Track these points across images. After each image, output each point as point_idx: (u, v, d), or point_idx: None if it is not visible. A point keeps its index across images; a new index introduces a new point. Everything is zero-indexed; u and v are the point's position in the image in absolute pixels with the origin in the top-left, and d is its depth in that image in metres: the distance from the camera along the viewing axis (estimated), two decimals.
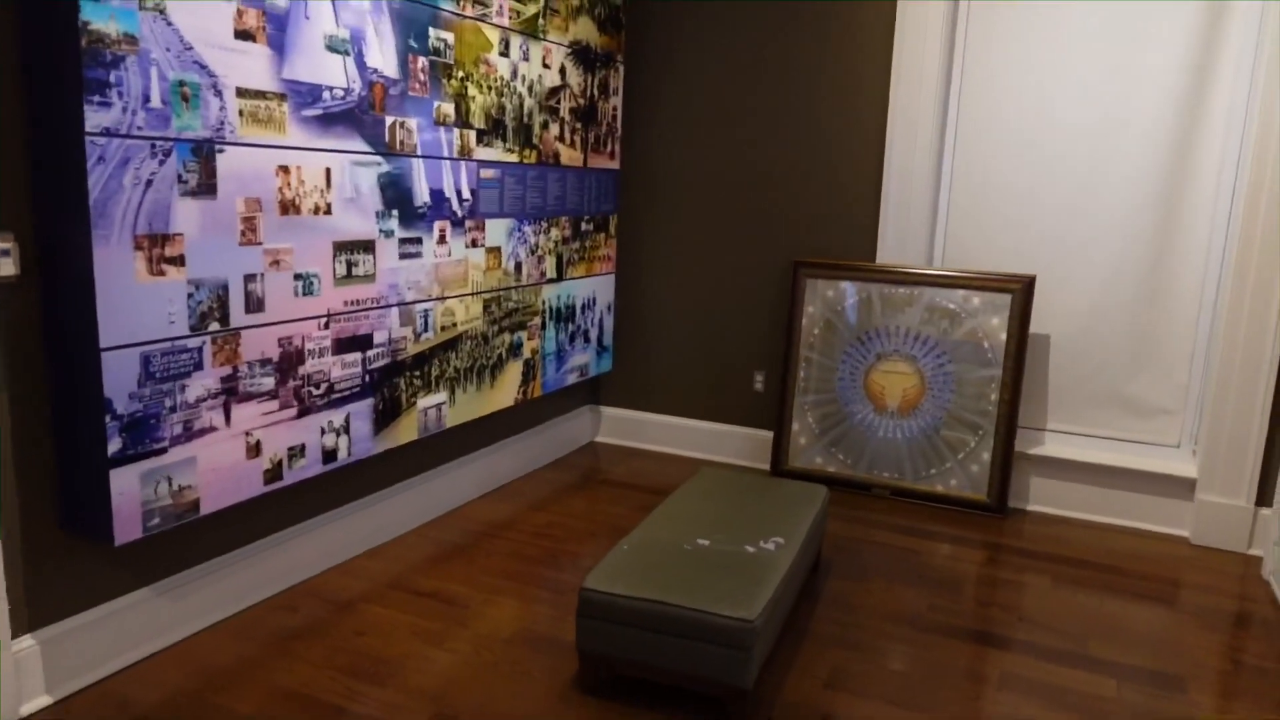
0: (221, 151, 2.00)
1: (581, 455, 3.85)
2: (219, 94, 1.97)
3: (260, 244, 2.13)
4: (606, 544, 2.90)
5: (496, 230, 3.00)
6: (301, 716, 1.95)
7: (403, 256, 2.60)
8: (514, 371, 3.20)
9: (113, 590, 2.08)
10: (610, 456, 3.85)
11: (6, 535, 1.86)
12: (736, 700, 1.90)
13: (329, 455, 2.43)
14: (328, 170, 2.30)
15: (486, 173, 2.91)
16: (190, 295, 1.98)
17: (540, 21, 3.07)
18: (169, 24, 1.84)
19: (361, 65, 2.36)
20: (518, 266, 3.14)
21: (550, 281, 3.34)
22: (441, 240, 2.74)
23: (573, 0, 3.24)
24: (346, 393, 2.46)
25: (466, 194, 2.83)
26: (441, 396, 2.84)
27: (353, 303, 2.44)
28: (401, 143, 2.53)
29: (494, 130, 2.91)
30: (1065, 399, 3.31)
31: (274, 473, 2.27)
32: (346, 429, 2.48)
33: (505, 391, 3.17)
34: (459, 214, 2.81)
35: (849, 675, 2.18)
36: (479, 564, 2.72)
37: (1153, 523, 3.17)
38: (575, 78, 3.33)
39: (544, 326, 3.34)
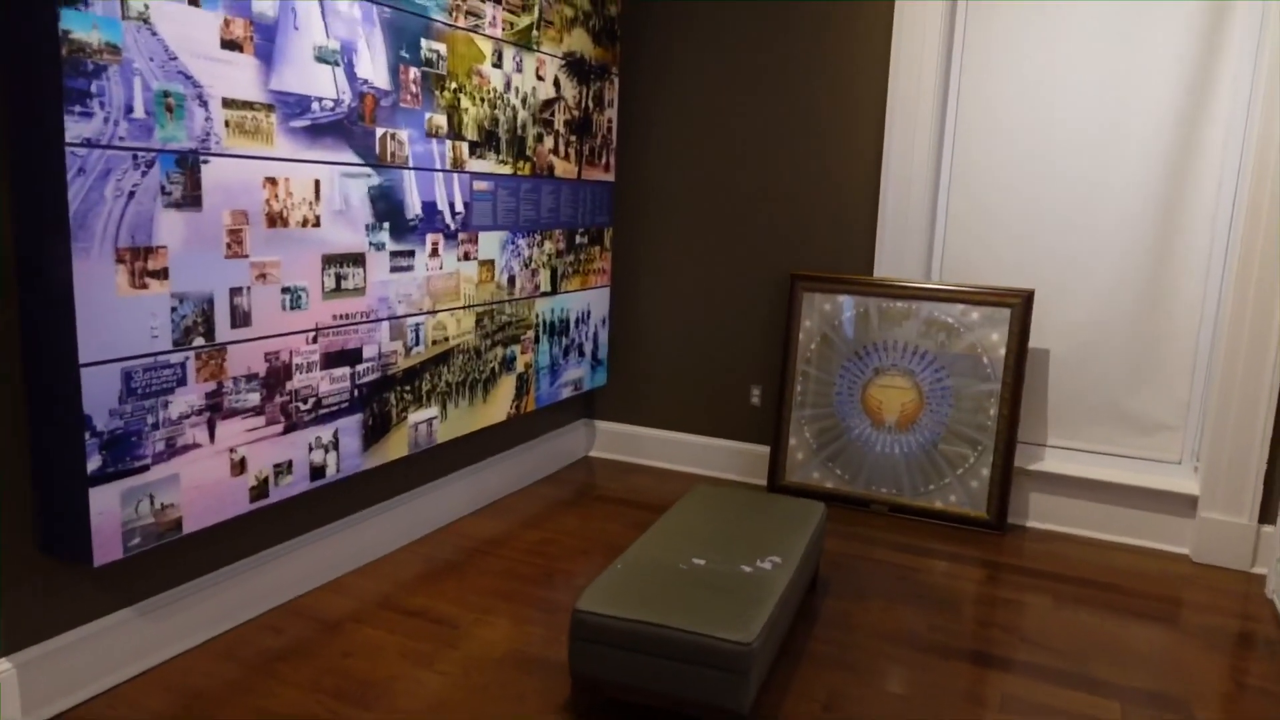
0: (207, 163, 1.96)
1: (576, 470, 3.80)
2: (204, 104, 1.93)
3: (247, 257, 2.09)
4: (600, 562, 2.85)
5: (490, 243, 2.96)
6: None
7: (394, 270, 2.56)
8: (507, 386, 3.16)
9: (93, 611, 2.03)
10: (605, 471, 3.80)
11: None
12: None
13: (316, 472, 2.38)
14: (317, 182, 2.26)
15: (479, 185, 2.87)
16: (174, 309, 1.93)
17: (534, 33, 3.05)
18: (153, 34, 1.80)
19: (352, 76, 2.32)
20: (511, 280, 3.10)
21: (544, 295, 3.31)
22: (434, 253, 2.70)
23: (567, 12, 3.22)
24: (335, 408, 2.41)
25: (459, 206, 2.79)
26: (433, 411, 2.79)
27: (342, 316, 2.40)
28: (393, 154, 2.49)
29: (487, 142, 2.88)
30: (1065, 414, 3.27)
31: (260, 490, 2.22)
32: (335, 445, 2.43)
33: (498, 406, 3.13)
34: (451, 227, 2.77)
35: (847, 698, 2.13)
36: (470, 582, 2.67)
37: (1154, 540, 3.13)
38: (570, 90, 3.30)
39: (538, 340, 3.30)
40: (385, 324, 2.55)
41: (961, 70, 3.25)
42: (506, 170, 2.99)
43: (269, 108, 2.09)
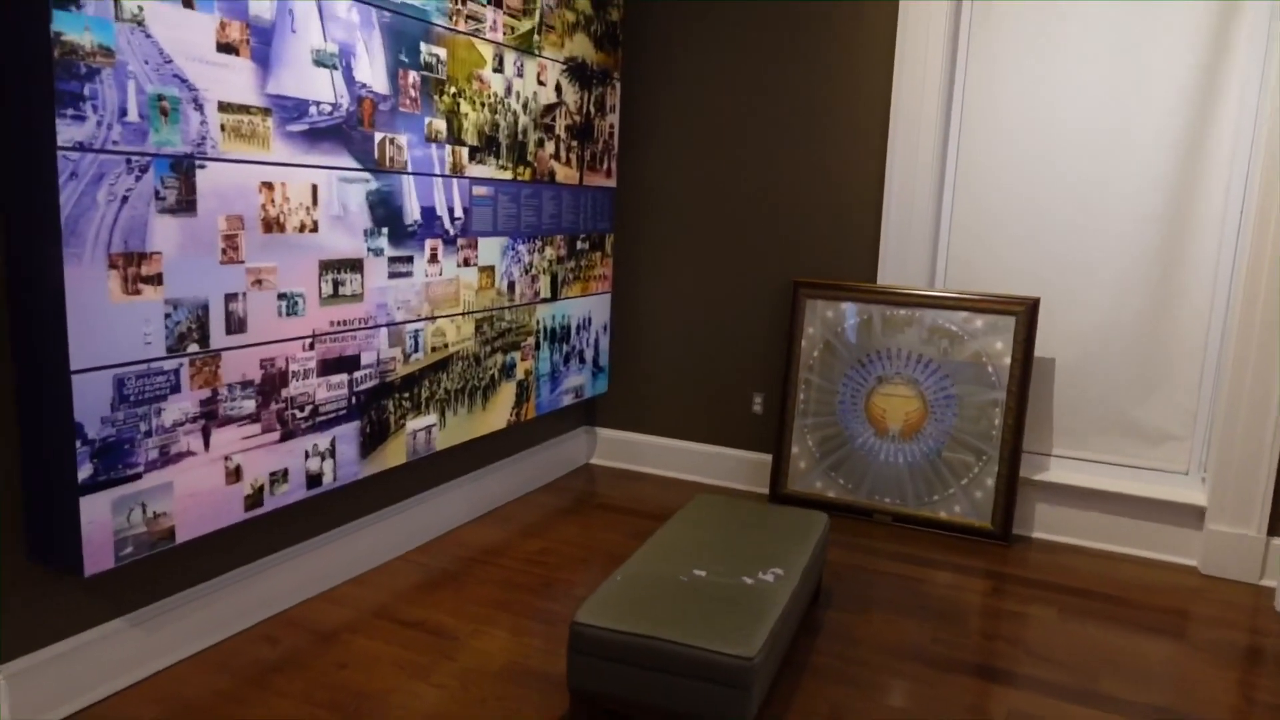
0: (202, 167, 1.93)
1: (576, 478, 3.77)
2: (200, 108, 1.91)
3: (242, 263, 2.07)
4: (600, 572, 2.81)
5: (490, 249, 2.93)
6: None
7: (392, 275, 2.53)
8: (507, 393, 3.13)
9: (84, 621, 2.00)
10: (605, 479, 3.77)
11: None
12: None
13: (313, 480, 2.35)
14: (314, 187, 2.23)
15: (480, 190, 2.84)
16: (168, 315, 1.90)
17: (535, 38, 3.02)
18: (148, 36, 1.78)
19: (350, 80, 2.30)
20: (511, 286, 3.07)
21: (545, 301, 3.28)
22: (433, 259, 2.68)
23: (569, 16, 3.19)
24: (332, 415, 2.38)
25: (459, 212, 2.76)
26: (431, 419, 2.76)
27: (339, 323, 2.37)
28: (391, 159, 2.46)
29: (487, 147, 2.86)
30: (1071, 424, 3.23)
31: (255, 498, 2.19)
32: (332, 453, 2.40)
33: (498, 413, 3.09)
34: (451, 232, 2.74)
35: (850, 713, 2.09)
36: (468, 592, 2.63)
37: (1161, 551, 3.09)
38: (571, 95, 3.27)
39: (538, 347, 3.27)
40: (384, 330, 2.52)
41: (966, 74, 3.23)
42: (507, 176, 2.97)
43: (266, 112, 2.07)
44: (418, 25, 2.51)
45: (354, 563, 2.70)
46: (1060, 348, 3.21)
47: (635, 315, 3.86)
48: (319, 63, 2.20)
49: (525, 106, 3.02)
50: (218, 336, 2.03)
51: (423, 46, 2.53)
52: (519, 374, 3.18)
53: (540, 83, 3.08)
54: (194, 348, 1.97)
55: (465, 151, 2.76)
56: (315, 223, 2.25)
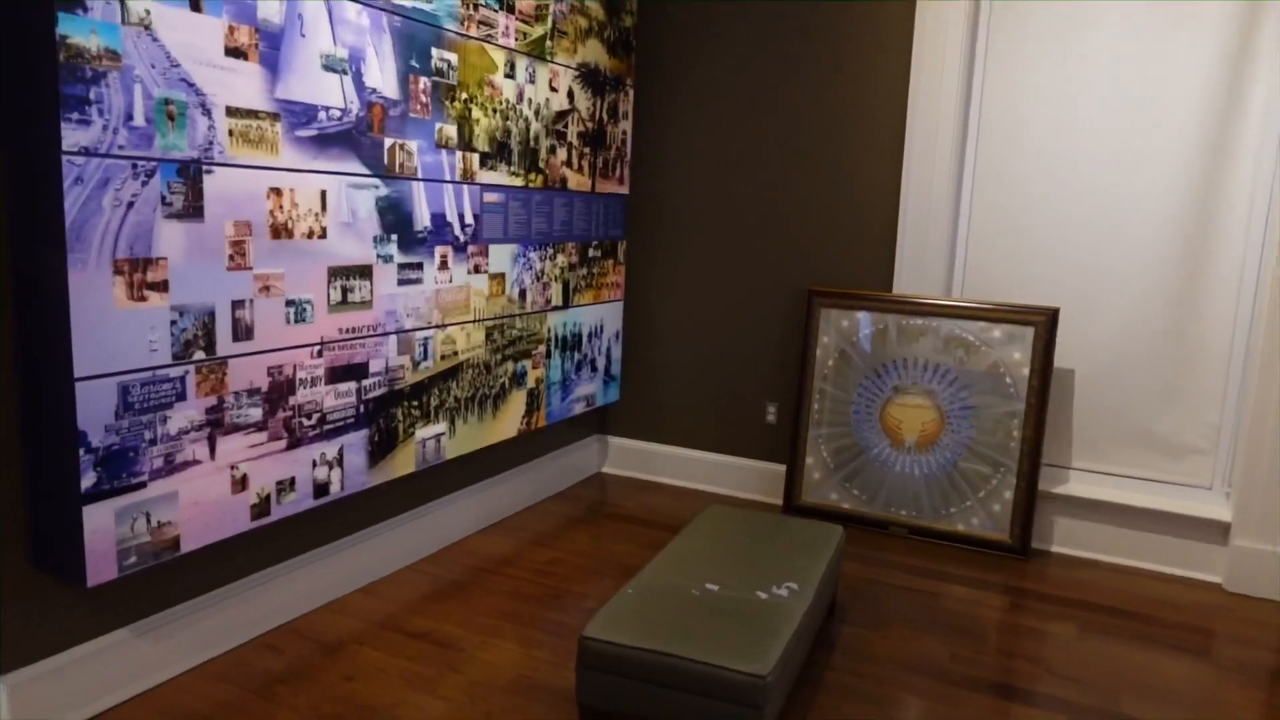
0: (209, 172, 1.91)
1: (587, 487, 3.73)
2: (207, 113, 1.89)
3: (250, 269, 2.04)
4: (611, 583, 2.77)
5: (500, 256, 2.90)
6: None
7: (402, 282, 2.50)
8: (517, 401, 3.10)
9: (87, 632, 1.97)
10: (617, 489, 3.73)
11: None
12: None
13: (320, 489, 2.32)
14: (323, 193, 2.21)
15: (490, 197, 2.82)
16: (173, 322, 1.88)
17: (547, 43, 3.00)
18: (154, 40, 1.76)
19: (360, 85, 2.27)
20: (522, 293, 3.04)
21: (556, 309, 3.24)
22: (443, 266, 2.65)
23: (581, 22, 3.17)
24: (340, 424, 2.35)
25: (469, 219, 2.74)
26: (441, 427, 2.73)
27: (348, 330, 2.34)
28: (401, 165, 2.44)
29: (498, 154, 2.83)
30: (1091, 436, 3.17)
31: (261, 508, 2.16)
32: (340, 461, 2.37)
33: (508, 422, 3.06)
34: (461, 239, 2.71)
35: None
36: (476, 603, 2.60)
37: (1184, 568, 3.02)
38: (583, 101, 3.25)
39: (549, 355, 3.24)
40: (393, 338, 2.49)
41: (984, 78, 3.18)
42: (518, 182, 2.94)
43: (274, 117, 2.05)
44: (429, 30, 2.48)
45: (361, 573, 2.67)
46: (1080, 358, 3.15)
47: (648, 323, 3.82)
48: (328, 67, 2.18)
49: (537, 113, 2.99)
50: (224, 344, 2.00)
51: (434, 52, 2.51)
52: (530, 382, 3.15)
53: (552, 89, 3.06)
54: (200, 355, 1.95)
55: (476, 158, 2.73)
56: (324, 229, 2.23)
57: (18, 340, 1.78)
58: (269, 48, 2.02)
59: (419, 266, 2.56)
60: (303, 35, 2.10)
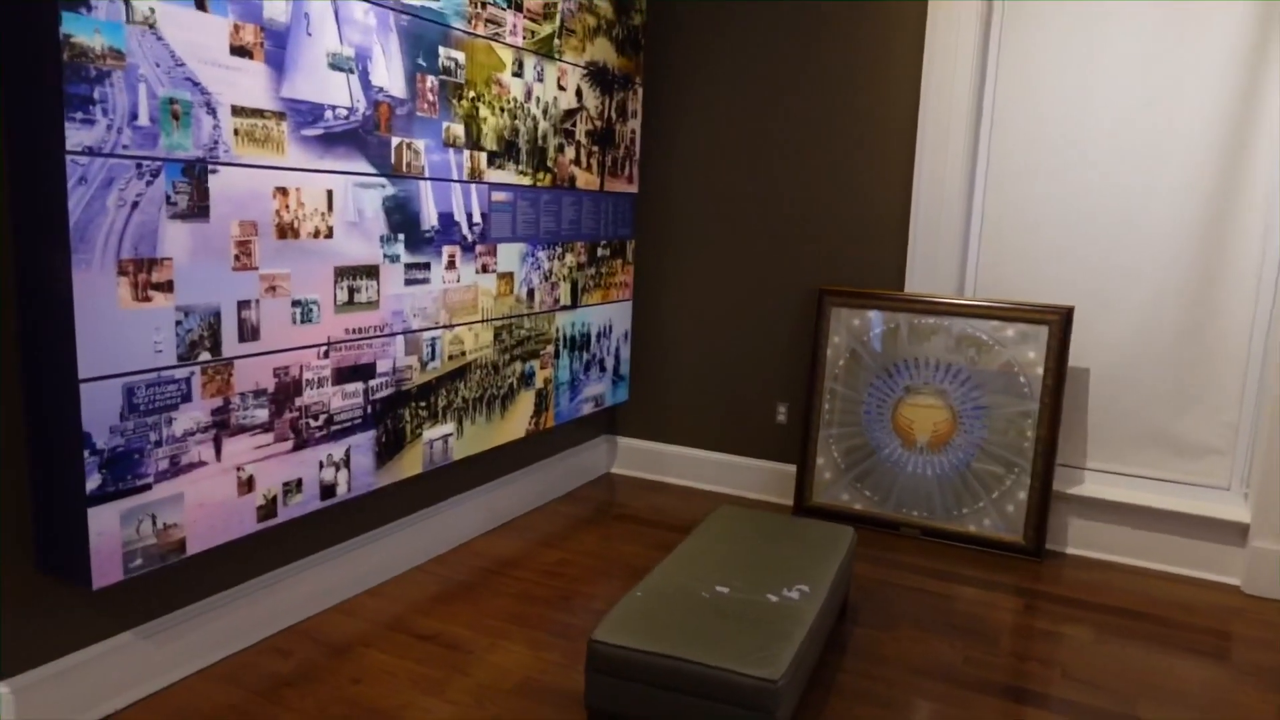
0: (214, 172, 1.90)
1: (596, 488, 3.71)
2: (212, 112, 1.87)
3: (256, 269, 2.03)
4: (620, 585, 2.75)
5: (509, 255, 2.89)
6: None
7: (409, 282, 2.49)
8: (526, 401, 3.08)
9: (93, 634, 1.96)
10: (626, 489, 3.70)
11: None
12: None
13: (327, 490, 2.31)
14: (329, 192, 2.19)
15: (498, 196, 2.80)
16: (179, 323, 1.87)
17: (555, 42, 2.98)
18: (159, 39, 1.74)
19: (366, 84, 2.26)
20: (530, 293, 3.02)
21: (564, 309, 3.23)
22: (450, 266, 2.63)
23: (589, 20, 3.15)
24: (347, 424, 2.34)
25: (477, 218, 2.72)
26: (449, 428, 2.71)
27: (355, 331, 2.33)
28: (408, 164, 2.42)
29: (506, 152, 2.81)
30: (1106, 436, 3.13)
31: (268, 509, 2.15)
32: (347, 463, 2.36)
33: (516, 422, 3.04)
34: (469, 238, 2.70)
35: None
36: (484, 605, 2.58)
37: (1201, 570, 2.98)
38: (592, 100, 3.23)
39: (557, 355, 3.22)
40: (400, 338, 2.48)
41: (997, 76, 3.14)
42: (526, 181, 2.92)
43: (280, 116, 2.03)
44: (436, 29, 2.47)
45: (369, 574, 2.65)
46: (1095, 357, 3.11)
47: (657, 323, 3.80)
48: (335, 66, 2.16)
49: (545, 111, 2.97)
50: (230, 344, 1.99)
51: (441, 50, 2.49)
52: (538, 382, 3.13)
53: (560, 87, 3.04)
54: (206, 356, 1.94)
55: (484, 157, 2.71)
56: (330, 229, 2.21)
57: (22, 341, 1.77)
58: (275, 46, 2.00)
59: (426, 266, 2.54)
60: (309, 34, 2.08)
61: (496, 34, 2.70)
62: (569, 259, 3.21)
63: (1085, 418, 3.15)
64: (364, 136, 2.27)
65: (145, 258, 1.78)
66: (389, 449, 2.49)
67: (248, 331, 2.03)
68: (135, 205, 1.75)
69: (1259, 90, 2.82)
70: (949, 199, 3.18)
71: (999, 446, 3.09)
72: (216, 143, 1.89)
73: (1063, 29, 3.03)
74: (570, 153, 3.14)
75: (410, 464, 2.58)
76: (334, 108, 2.17)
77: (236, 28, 1.91)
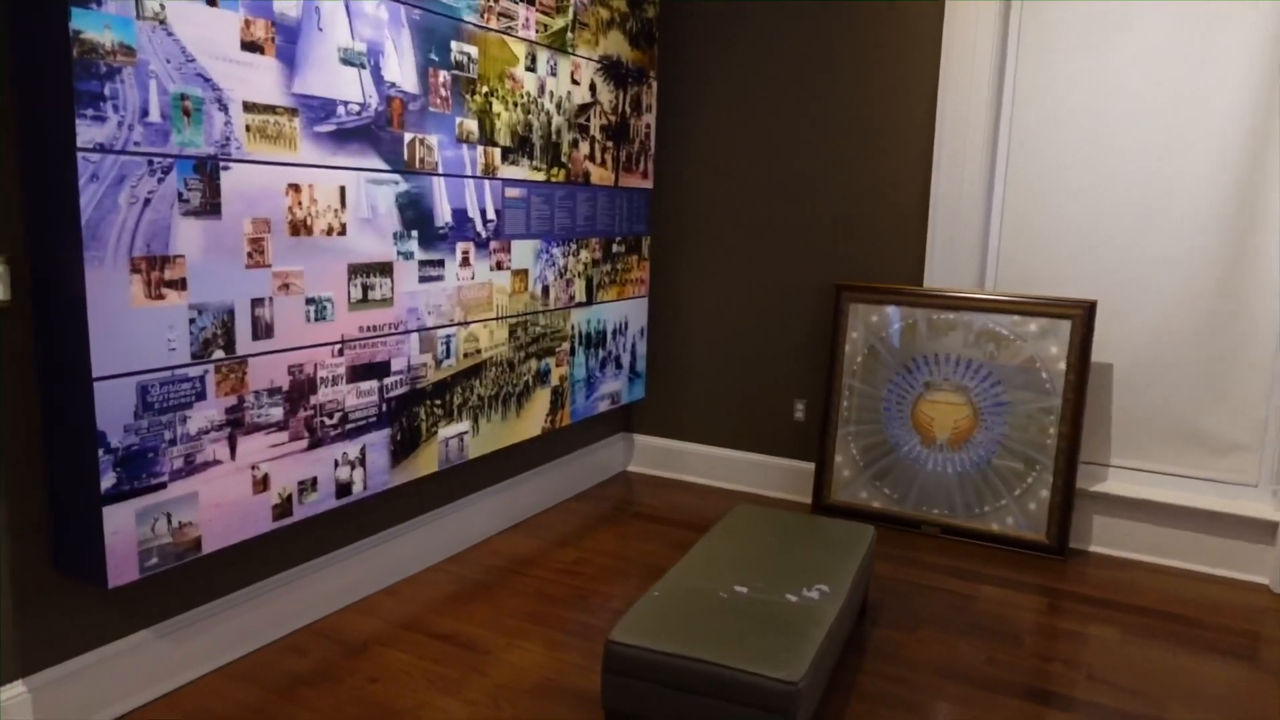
0: (226, 169, 1.88)
1: (613, 486, 3.68)
2: (224, 108, 1.86)
3: (269, 266, 2.02)
4: (637, 584, 2.73)
5: (523, 252, 2.87)
6: None
7: (423, 280, 2.47)
8: (541, 399, 3.06)
9: (110, 633, 1.96)
10: (643, 487, 3.68)
11: None
12: None
13: (343, 489, 2.30)
14: (342, 189, 2.18)
15: (512, 192, 2.78)
16: (192, 321, 1.86)
17: (569, 36, 2.95)
18: (169, 34, 1.73)
19: (379, 79, 2.24)
20: (545, 290, 3.00)
21: (580, 305, 3.20)
22: (465, 263, 2.62)
23: (603, 14, 3.12)
24: (362, 423, 2.32)
25: (491, 214, 2.70)
26: (464, 426, 2.70)
27: (369, 328, 2.32)
28: (421, 160, 2.41)
29: (520, 148, 2.79)
30: (1131, 432, 3.07)
31: (283, 508, 2.14)
32: (362, 461, 2.34)
33: (532, 420, 3.02)
34: (483, 235, 2.68)
35: None
36: (501, 604, 2.56)
37: (1229, 569, 2.92)
38: (606, 94, 3.20)
39: (573, 352, 3.20)
40: (414, 336, 2.46)
41: (1017, 70, 3.09)
42: (540, 177, 2.90)
43: (292, 112, 2.02)
44: (448, 23, 2.45)
45: (385, 573, 2.64)
46: (1119, 352, 3.06)
47: (673, 319, 3.77)
48: (346, 61, 2.15)
49: (559, 106, 2.95)
50: (244, 342, 1.98)
51: (453, 45, 2.47)
52: (554, 380, 3.11)
53: (574, 82, 3.01)
54: (219, 354, 1.93)
55: (497, 152, 2.69)
56: (343, 225, 2.20)
57: (36, 340, 1.76)
58: (286, 42, 1.99)
59: (440, 263, 2.52)
60: (320, 29, 2.07)
61: (509, 28, 2.68)
62: (584, 255, 3.19)
63: (1109, 414, 3.09)
64: (376, 132, 2.26)
65: (158, 255, 1.77)
66: (404, 447, 2.47)
67: (261, 329, 2.02)
68: (147, 202, 1.74)
69: None
70: (968, 193, 3.13)
71: (1020, 443, 3.04)
72: (228, 139, 1.88)
73: (1085, 21, 2.97)
74: (584, 148, 3.11)
75: (426, 462, 2.56)
76: (346, 103, 2.16)
77: (247, 23, 1.89)
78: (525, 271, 2.89)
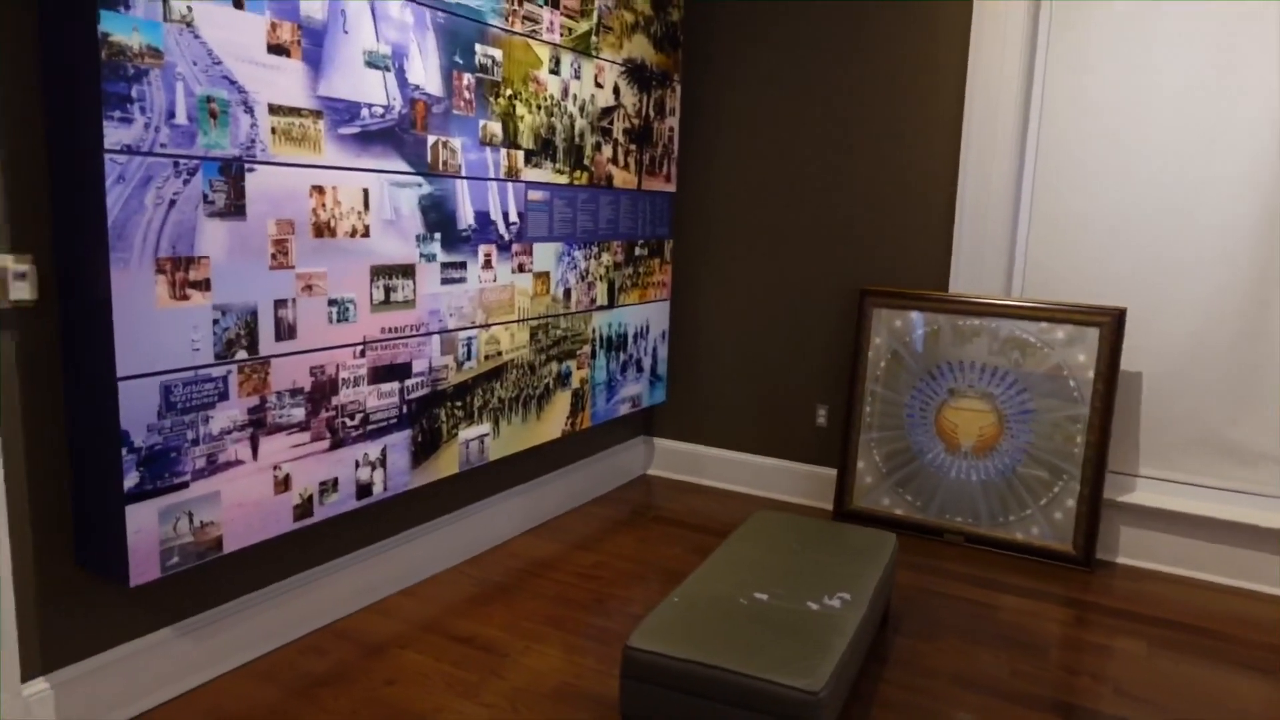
0: (251, 171, 1.89)
1: (632, 489, 3.67)
2: (250, 110, 1.87)
3: (292, 268, 2.02)
4: (656, 588, 2.71)
5: (545, 255, 2.86)
6: None
7: (445, 282, 2.47)
8: (562, 402, 3.05)
9: (131, 631, 1.97)
10: (663, 491, 3.66)
11: (20, 573, 1.76)
12: None
13: (363, 490, 2.30)
14: (365, 191, 2.18)
15: (535, 195, 2.78)
16: (216, 321, 1.87)
17: (593, 39, 2.95)
18: (196, 37, 1.74)
19: (403, 82, 2.25)
20: (567, 293, 3.00)
21: (601, 308, 3.19)
22: (487, 265, 2.62)
23: (627, 18, 3.11)
24: (383, 424, 2.33)
25: (514, 217, 2.70)
26: (485, 428, 2.70)
27: (391, 330, 2.32)
28: (444, 163, 2.41)
29: (543, 151, 2.79)
30: (1159, 442, 3.02)
31: (304, 508, 2.14)
32: (382, 462, 2.35)
33: (552, 423, 3.02)
34: (505, 237, 2.68)
35: None
36: (520, 607, 2.56)
37: (1260, 582, 2.86)
38: (629, 97, 3.19)
39: (594, 355, 3.19)
40: (436, 338, 2.46)
41: (1046, 70, 3.05)
42: (563, 180, 2.90)
43: (316, 114, 2.02)
44: (472, 26, 2.45)
45: (404, 574, 2.65)
46: (1149, 360, 3.01)
47: (695, 323, 3.75)
48: (371, 64, 2.15)
49: (582, 109, 2.95)
50: (267, 343, 1.99)
51: (478, 48, 2.48)
52: (574, 383, 3.10)
53: (598, 85, 3.01)
54: (242, 354, 1.93)
55: (520, 155, 2.69)
56: (366, 227, 2.20)
57: (65, 339, 1.78)
58: (311, 44, 1.99)
59: (462, 265, 2.53)
60: (345, 32, 2.07)
61: (534, 31, 2.68)
62: (606, 258, 3.18)
63: (1137, 423, 3.04)
64: (400, 135, 2.26)
65: (182, 256, 1.78)
66: (425, 449, 2.47)
67: (284, 330, 2.02)
68: (173, 204, 1.75)
69: None
70: (996, 196, 3.09)
71: (1046, 452, 3.00)
72: (253, 141, 1.89)
73: (1116, 21, 2.93)
74: (607, 151, 3.10)
75: (446, 464, 2.56)
76: (370, 106, 2.16)
77: (274, 26, 1.90)
78: (547, 274, 2.89)
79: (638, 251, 3.37)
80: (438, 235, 2.42)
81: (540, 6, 2.69)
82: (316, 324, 2.10)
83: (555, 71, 2.79)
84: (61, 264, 1.74)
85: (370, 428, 2.29)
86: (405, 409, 2.39)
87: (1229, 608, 2.73)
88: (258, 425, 1.99)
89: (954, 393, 3.14)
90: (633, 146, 3.25)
